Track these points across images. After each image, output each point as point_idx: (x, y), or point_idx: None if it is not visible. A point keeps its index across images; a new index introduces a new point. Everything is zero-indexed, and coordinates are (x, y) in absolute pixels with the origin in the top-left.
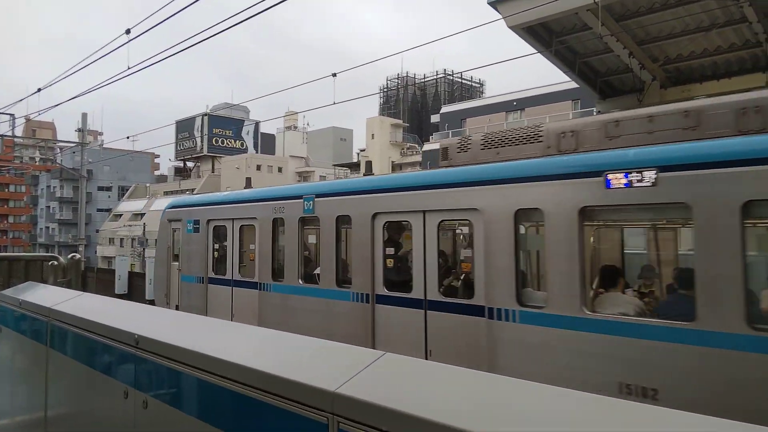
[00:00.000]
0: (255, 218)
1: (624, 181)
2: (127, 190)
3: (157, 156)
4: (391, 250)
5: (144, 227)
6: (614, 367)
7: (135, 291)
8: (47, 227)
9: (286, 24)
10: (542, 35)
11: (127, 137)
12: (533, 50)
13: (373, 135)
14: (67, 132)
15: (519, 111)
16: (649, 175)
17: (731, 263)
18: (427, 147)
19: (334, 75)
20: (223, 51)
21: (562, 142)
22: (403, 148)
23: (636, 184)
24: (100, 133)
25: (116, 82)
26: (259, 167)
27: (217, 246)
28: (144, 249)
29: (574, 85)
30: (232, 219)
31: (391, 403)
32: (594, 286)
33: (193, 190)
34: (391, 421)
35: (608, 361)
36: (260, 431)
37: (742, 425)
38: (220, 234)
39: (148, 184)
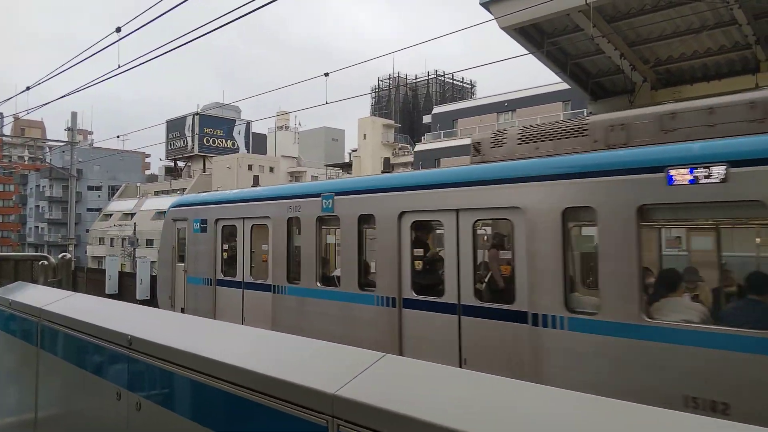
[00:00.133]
0: (268, 217)
1: (688, 177)
2: (117, 189)
3: (148, 155)
4: (419, 251)
5: (134, 227)
6: (679, 380)
7: (125, 291)
8: (36, 227)
9: (276, 23)
10: (534, 36)
11: (118, 136)
12: (525, 51)
13: (365, 135)
14: (56, 131)
15: (510, 112)
16: (718, 171)
17: None
18: (419, 147)
19: (327, 75)
20: (215, 50)
21: (610, 136)
22: (394, 149)
23: (702, 181)
24: (90, 133)
25: (107, 81)
26: (250, 167)
27: (226, 246)
28: (134, 249)
29: (564, 86)
30: (243, 218)
31: (392, 406)
32: (652, 291)
33: (183, 190)
34: (392, 423)
35: (672, 372)
36: None
37: (748, 427)
38: (229, 234)
39: (138, 184)
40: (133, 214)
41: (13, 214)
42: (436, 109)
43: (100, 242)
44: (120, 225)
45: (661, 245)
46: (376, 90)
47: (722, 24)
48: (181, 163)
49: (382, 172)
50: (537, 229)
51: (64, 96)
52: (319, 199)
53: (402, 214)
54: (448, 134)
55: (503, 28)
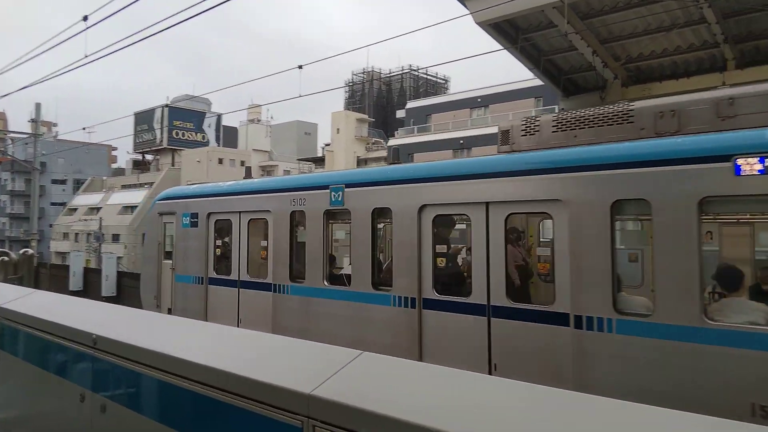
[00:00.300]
0: (268, 211)
1: (759, 167)
2: (83, 183)
3: (115, 148)
4: (442, 248)
5: (100, 222)
6: (745, 386)
7: (91, 288)
8: None
9: (247, 15)
10: (508, 32)
11: (83, 129)
12: (499, 47)
13: (338, 129)
14: (19, 122)
15: (483, 107)
16: None
17: None
18: (392, 142)
19: (300, 67)
20: (185, 41)
21: (659, 123)
22: (368, 143)
23: None
24: (55, 124)
25: (72, 71)
26: (221, 161)
27: (219, 242)
28: (100, 244)
29: (537, 82)
30: (239, 212)
31: (369, 405)
32: (712, 291)
33: (152, 184)
34: (368, 423)
35: (737, 379)
36: None
37: (736, 423)
38: (223, 229)
39: (104, 177)
40: (99, 209)
41: None
42: (410, 104)
43: (64, 237)
44: (85, 220)
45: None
46: (350, 84)
47: (692, 23)
48: (149, 157)
49: (391, 163)
50: (582, 223)
51: (27, 86)
52: (327, 191)
53: (423, 207)
54: (422, 129)
55: (478, 23)
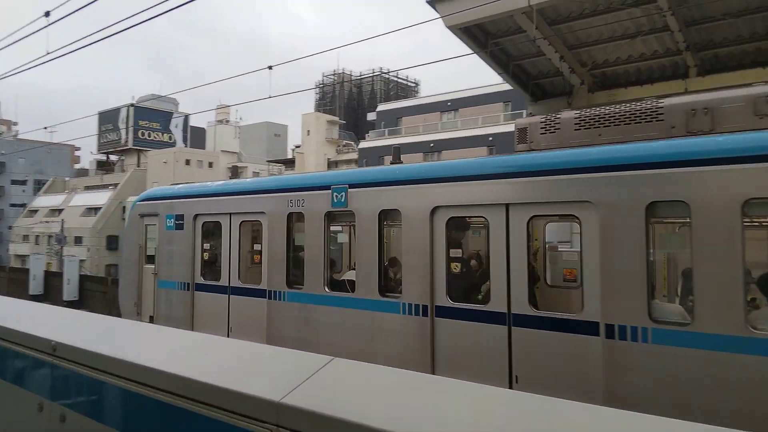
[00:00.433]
0: (263, 213)
1: None
2: (44, 184)
3: (78, 148)
4: (457, 252)
5: (62, 224)
6: None
7: (52, 292)
8: None
9: (214, 15)
10: (478, 36)
11: (45, 128)
12: (469, 51)
13: (308, 131)
14: None
15: (453, 111)
16: None
17: None
18: (363, 145)
19: (270, 68)
20: (151, 41)
21: (691, 122)
22: (339, 145)
23: None
24: (15, 123)
25: (34, 69)
26: (188, 162)
27: (207, 246)
28: (62, 247)
29: (506, 87)
30: (230, 214)
31: (341, 412)
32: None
33: (116, 185)
34: (340, 431)
35: None
36: None
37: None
38: (211, 231)
39: (67, 178)
40: (60, 210)
41: None
42: (381, 107)
43: (24, 240)
44: (46, 221)
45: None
46: (321, 86)
47: (656, 30)
48: (114, 157)
49: (392, 163)
50: (614, 226)
51: None
52: (328, 192)
53: (436, 209)
54: (393, 132)
55: (449, 27)
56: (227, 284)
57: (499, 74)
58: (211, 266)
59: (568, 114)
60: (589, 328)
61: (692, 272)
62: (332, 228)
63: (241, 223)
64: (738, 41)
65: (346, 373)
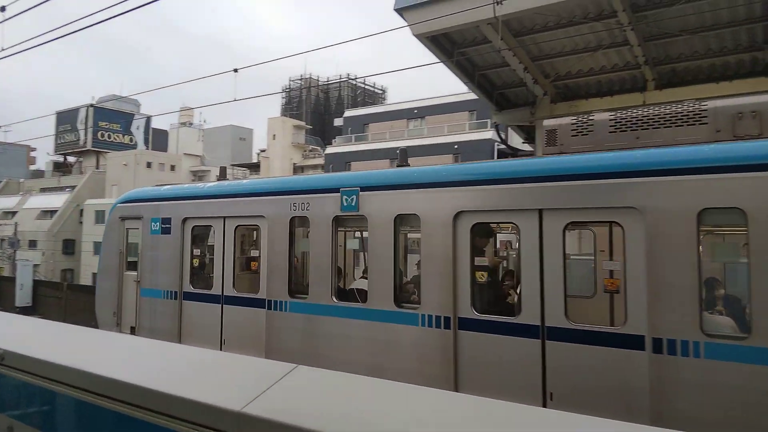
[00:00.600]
0: (262, 216)
1: None
2: None
3: (34, 149)
4: (482, 260)
5: (15, 227)
6: None
7: (3, 297)
8: None
9: (177, 15)
10: (445, 45)
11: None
12: (436, 59)
13: (274, 136)
14: None
15: (420, 119)
16: None
17: None
18: (330, 150)
19: (236, 70)
20: (112, 40)
21: (738, 125)
22: (305, 150)
23: None
24: None
25: None
26: (149, 164)
27: (197, 251)
28: (15, 251)
29: (472, 96)
30: (224, 217)
31: (304, 421)
32: None
33: (73, 187)
34: None
35: None
36: None
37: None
38: (202, 236)
39: (21, 180)
40: (14, 213)
41: None
42: (348, 113)
43: None
44: None
45: None
46: (287, 90)
47: (616, 44)
48: (71, 159)
49: (398, 166)
50: (662, 234)
51: None
52: (337, 195)
53: (459, 214)
54: (360, 138)
55: (416, 35)
56: (220, 293)
57: (465, 83)
58: (202, 274)
59: (601, 116)
60: (633, 341)
61: (750, 283)
62: (341, 233)
63: (236, 227)
64: (694, 57)
65: (312, 380)
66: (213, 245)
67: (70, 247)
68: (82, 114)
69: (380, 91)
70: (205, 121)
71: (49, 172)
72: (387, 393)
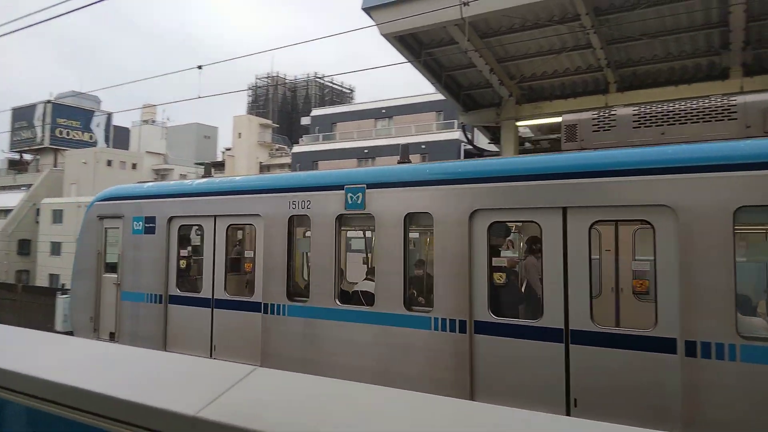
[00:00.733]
0: (257, 215)
1: None
2: None
3: None
4: (500, 261)
5: None
6: None
7: None
8: None
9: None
10: (412, 46)
11: None
12: (404, 59)
13: (240, 134)
14: None
15: (388, 118)
16: None
17: None
18: (297, 149)
19: (200, 68)
20: (71, 36)
21: None
22: (271, 149)
23: None
24: None
25: None
26: (110, 162)
27: (185, 252)
28: None
29: (438, 97)
30: (215, 216)
31: (262, 425)
32: None
33: (30, 185)
34: None
35: None
36: None
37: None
38: (190, 236)
39: None
40: None
41: None
42: (315, 112)
43: None
44: None
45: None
46: (254, 88)
47: (579, 47)
48: (28, 156)
49: (399, 162)
50: (696, 233)
51: None
52: (341, 192)
53: (475, 212)
54: (327, 137)
55: (384, 35)
56: (210, 296)
57: (432, 84)
58: (190, 276)
59: (624, 110)
60: (664, 345)
61: None
62: (345, 232)
63: (228, 226)
64: (654, 60)
65: (271, 383)
66: (202, 246)
67: (25, 247)
68: (39, 110)
69: (348, 91)
70: (168, 119)
71: (4, 170)
72: (353, 396)
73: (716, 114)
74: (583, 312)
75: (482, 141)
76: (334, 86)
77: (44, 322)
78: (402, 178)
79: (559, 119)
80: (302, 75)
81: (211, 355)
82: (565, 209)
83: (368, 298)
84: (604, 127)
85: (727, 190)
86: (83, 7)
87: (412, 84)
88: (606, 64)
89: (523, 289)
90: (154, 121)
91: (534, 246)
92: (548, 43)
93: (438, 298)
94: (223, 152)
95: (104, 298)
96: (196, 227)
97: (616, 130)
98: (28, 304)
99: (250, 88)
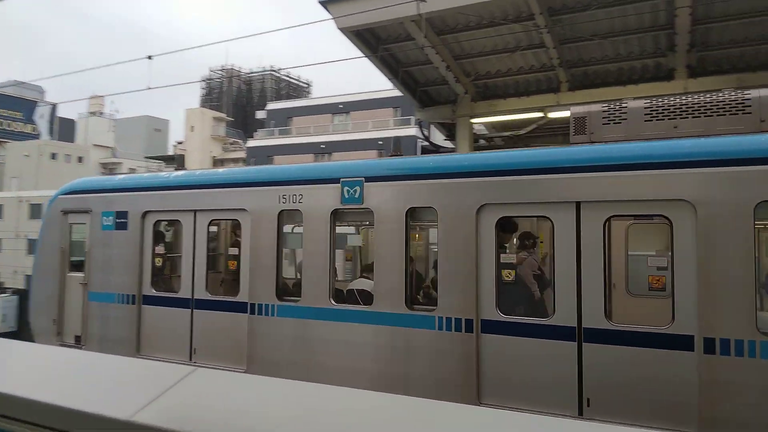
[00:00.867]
0: (243, 210)
1: None
2: None
3: None
4: (509, 258)
5: None
6: None
7: None
8: None
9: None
10: (370, 40)
11: None
12: (361, 54)
13: (192, 127)
14: None
15: (345, 114)
16: None
17: None
18: (252, 143)
19: (150, 58)
20: (13, 23)
21: None
22: (225, 143)
23: None
24: None
25: None
26: (54, 155)
27: (161, 249)
28: None
29: (397, 93)
30: (195, 211)
31: (200, 428)
32: None
33: None
34: None
35: None
36: None
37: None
38: (167, 232)
39: None
40: None
41: None
42: (271, 105)
43: None
44: None
45: None
46: (207, 80)
47: (533, 46)
48: None
49: (392, 155)
50: (716, 228)
51: None
52: (336, 186)
53: (483, 207)
54: (283, 132)
55: (341, 29)
56: (190, 296)
57: (390, 79)
58: (167, 275)
59: (636, 103)
60: (681, 342)
61: None
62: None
63: (210, 222)
64: (604, 61)
65: (211, 384)
66: (181, 242)
67: None
68: None
69: (305, 85)
70: (117, 111)
71: None
72: (298, 395)
73: (730, 108)
74: (597, 309)
75: (439, 137)
76: (291, 80)
77: None
78: (404, 170)
79: (512, 117)
80: (258, 68)
81: (190, 359)
82: (578, 204)
83: (364, 297)
84: (614, 119)
85: (748, 185)
86: None
87: (370, 79)
88: (558, 64)
89: (542, 287)
90: (101, 113)
91: (526, 242)
92: (503, 41)
93: (443, 297)
94: (175, 146)
95: (69, 299)
96: (175, 222)
97: (626, 123)
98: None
99: (203, 80)
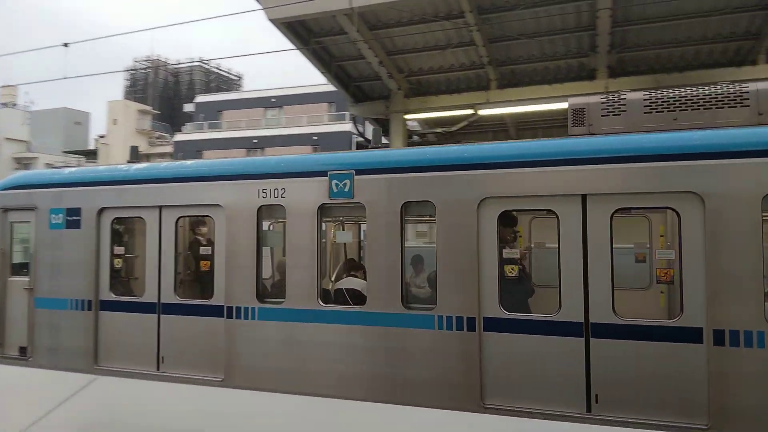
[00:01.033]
0: (217, 206)
1: None
2: None
3: None
4: (512, 253)
5: None
6: None
7: None
8: None
9: None
10: (301, 33)
11: None
12: (293, 46)
13: (115, 120)
14: None
15: (278, 108)
16: None
17: None
18: (179, 137)
19: (66, 45)
20: None
21: None
22: (151, 137)
23: None
24: None
25: None
26: None
27: (120, 250)
28: None
29: (332, 88)
30: (160, 207)
31: None
32: None
33: None
34: None
35: None
36: None
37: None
38: (128, 230)
39: None
40: None
41: None
42: (200, 98)
43: None
44: None
45: None
46: (131, 71)
47: (464, 44)
48: None
49: (372, 147)
50: (724, 220)
51: None
52: (324, 179)
53: (484, 200)
54: (213, 126)
55: (271, 20)
56: (155, 300)
57: (323, 73)
58: (128, 277)
59: (635, 95)
60: (690, 335)
61: None
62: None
63: (178, 219)
64: (531, 60)
65: (113, 392)
66: (143, 241)
67: None
68: None
69: (236, 77)
70: (32, 103)
71: None
72: (207, 401)
73: (729, 100)
74: (605, 304)
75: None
76: (221, 72)
77: None
78: (399, 162)
79: (444, 114)
80: (186, 59)
81: (158, 369)
82: (584, 197)
83: (357, 297)
84: (613, 111)
85: (755, 177)
86: None
87: (305, 73)
88: (488, 62)
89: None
90: (14, 104)
91: (508, 236)
92: (434, 38)
93: (442, 295)
94: (96, 140)
95: (11, 306)
96: (137, 219)
97: (626, 115)
98: None
99: (127, 71)
